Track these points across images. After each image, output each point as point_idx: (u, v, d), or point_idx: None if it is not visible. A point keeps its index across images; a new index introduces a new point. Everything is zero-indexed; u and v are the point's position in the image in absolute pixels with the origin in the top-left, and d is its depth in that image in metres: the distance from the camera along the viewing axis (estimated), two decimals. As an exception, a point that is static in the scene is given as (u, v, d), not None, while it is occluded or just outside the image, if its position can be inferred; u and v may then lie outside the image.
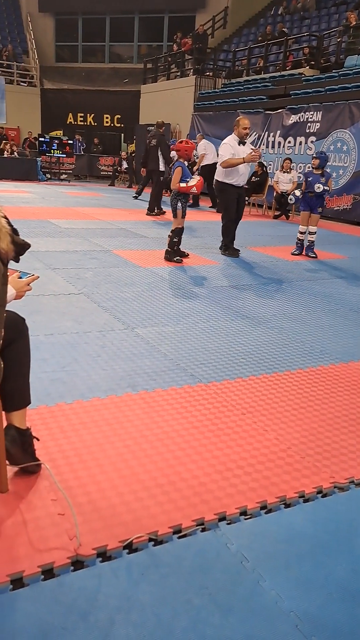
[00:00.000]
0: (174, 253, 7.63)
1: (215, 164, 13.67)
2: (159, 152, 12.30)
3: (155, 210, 12.60)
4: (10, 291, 2.25)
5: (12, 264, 2.10)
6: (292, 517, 2.42)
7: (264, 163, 14.85)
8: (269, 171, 15.14)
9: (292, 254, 8.77)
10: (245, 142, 8.18)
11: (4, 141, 22.02)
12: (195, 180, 7.31)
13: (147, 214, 12.56)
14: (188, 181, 7.27)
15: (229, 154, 7.93)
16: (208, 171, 13.88)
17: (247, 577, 2.05)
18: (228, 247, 8.50)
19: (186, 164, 7.51)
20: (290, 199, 8.58)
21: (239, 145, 8.04)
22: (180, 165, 7.38)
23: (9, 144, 21.41)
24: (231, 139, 8.11)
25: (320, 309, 5.81)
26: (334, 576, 2.09)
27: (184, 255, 7.82)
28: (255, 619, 1.86)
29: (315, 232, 8.78)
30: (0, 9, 29.14)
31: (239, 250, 8.52)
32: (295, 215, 14.73)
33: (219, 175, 8.26)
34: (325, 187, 8.40)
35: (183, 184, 7.26)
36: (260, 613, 1.89)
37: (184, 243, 8.28)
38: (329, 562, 2.16)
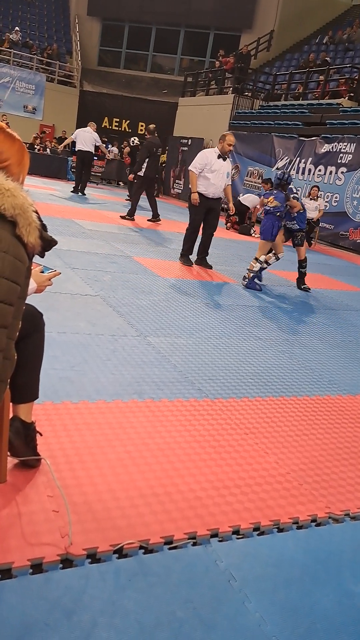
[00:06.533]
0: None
1: (87, 151, 14.59)
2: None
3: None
4: (32, 284, 2.27)
5: (36, 258, 2.13)
6: (284, 542, 2.41)
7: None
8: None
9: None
10: (226, 158, 8.13)
11: (33, 136, 22.18)
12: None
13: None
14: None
15: (199, 164, 7.95)
16: (80, 155, 15.05)
17: (233, 596, 2.04)
18: (183, 255, 8.45)
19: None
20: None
21: (218, 158, 7.99)
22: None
23: (39, 139, 21.54)
24: (212, 151, 8.10)
25: (333, 339, 5.81)
26: (320, 606, 2.09)
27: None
28: (237, 638, 1.86)
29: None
30: (49, 8, 29.66)
31: (191, 262, 8.41)
32: (318, 243, 14.75)
33: None
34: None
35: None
36: (242, 633, 1.88)
37: (209, 257, 8.34)
38: (315, 592, 2.16)
